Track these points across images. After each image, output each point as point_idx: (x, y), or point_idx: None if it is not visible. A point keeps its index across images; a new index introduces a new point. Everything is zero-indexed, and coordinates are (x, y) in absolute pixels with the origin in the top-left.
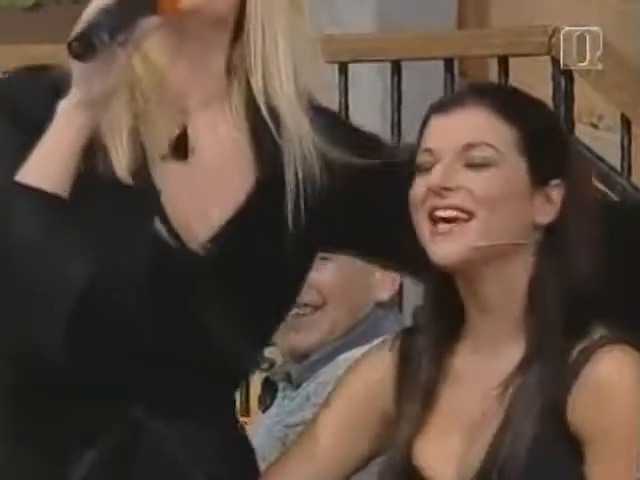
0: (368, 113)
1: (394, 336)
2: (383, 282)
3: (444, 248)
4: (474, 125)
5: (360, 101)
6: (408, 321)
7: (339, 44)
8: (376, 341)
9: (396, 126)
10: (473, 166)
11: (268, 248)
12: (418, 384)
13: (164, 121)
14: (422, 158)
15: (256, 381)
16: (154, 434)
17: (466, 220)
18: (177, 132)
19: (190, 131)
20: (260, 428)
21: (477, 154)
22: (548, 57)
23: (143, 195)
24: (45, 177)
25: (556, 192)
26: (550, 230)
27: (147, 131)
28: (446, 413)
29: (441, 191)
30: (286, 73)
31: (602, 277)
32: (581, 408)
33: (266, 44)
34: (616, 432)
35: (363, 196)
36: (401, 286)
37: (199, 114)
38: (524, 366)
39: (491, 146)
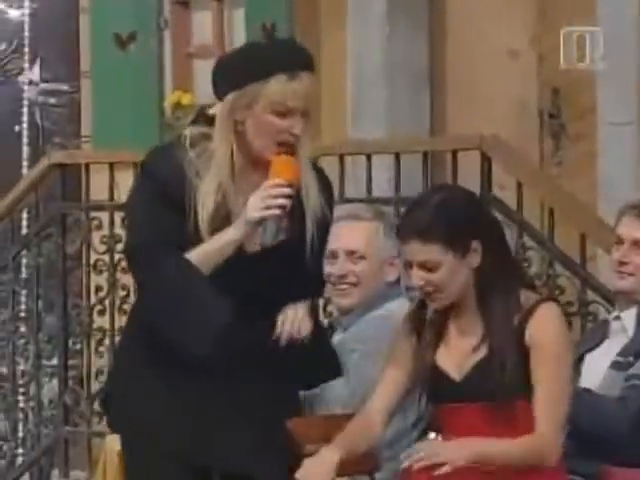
0: None
1: (412, 308)
2: (391, 270)
3: None
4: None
5: None
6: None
7: None
8: (388, 304)
9: None
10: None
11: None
12: (432, 332)
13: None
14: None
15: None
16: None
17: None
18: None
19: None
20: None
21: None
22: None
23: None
24: (207, 267)
25: (477, 250)
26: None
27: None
28: (449, 345)
29: None
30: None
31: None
32: (533, 331)
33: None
34: (549, 344)
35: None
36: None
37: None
38: (497, 318)
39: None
